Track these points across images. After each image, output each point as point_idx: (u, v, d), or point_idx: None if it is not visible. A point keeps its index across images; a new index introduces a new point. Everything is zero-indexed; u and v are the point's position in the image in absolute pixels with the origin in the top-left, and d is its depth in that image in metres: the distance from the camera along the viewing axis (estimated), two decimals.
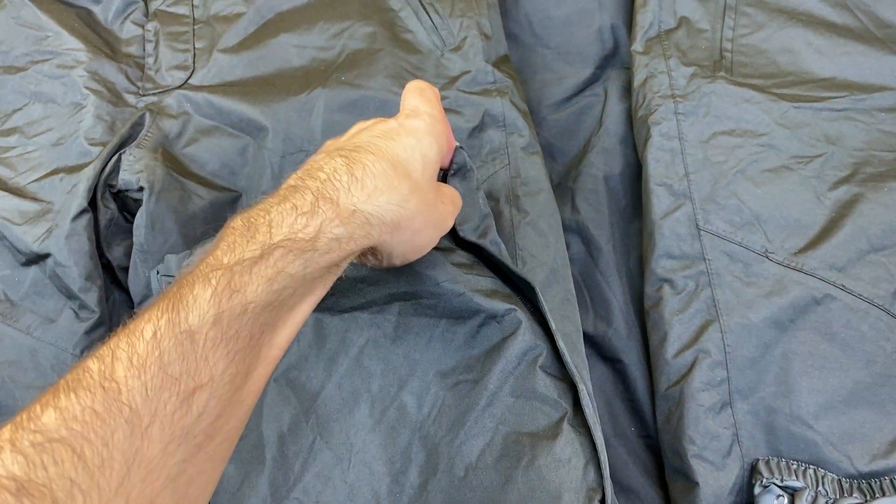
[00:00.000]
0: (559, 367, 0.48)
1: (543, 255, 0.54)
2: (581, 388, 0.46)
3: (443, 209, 0.44)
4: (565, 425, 0.45)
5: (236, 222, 0.36)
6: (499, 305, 0.48)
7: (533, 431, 0.46)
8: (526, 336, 0.47)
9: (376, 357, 0.50)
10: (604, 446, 0.45)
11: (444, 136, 0.46)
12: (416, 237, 0.42)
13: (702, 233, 0.55)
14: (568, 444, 0.45)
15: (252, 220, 0.35)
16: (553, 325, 0.47)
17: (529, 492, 0.44)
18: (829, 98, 0.59)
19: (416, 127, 0.43)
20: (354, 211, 0.37)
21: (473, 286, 0.48)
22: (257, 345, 0.34)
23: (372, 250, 0.41)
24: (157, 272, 0.53)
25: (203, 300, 0.31)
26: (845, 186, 0.56)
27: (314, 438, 0.48)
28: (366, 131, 0.43)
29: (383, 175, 0.39)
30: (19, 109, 0.64)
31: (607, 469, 0.45)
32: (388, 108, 0.59)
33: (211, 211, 0.58)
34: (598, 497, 0.44)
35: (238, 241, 0.34)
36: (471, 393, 0.48)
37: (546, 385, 0.47)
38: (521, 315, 0.48)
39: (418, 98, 0.45)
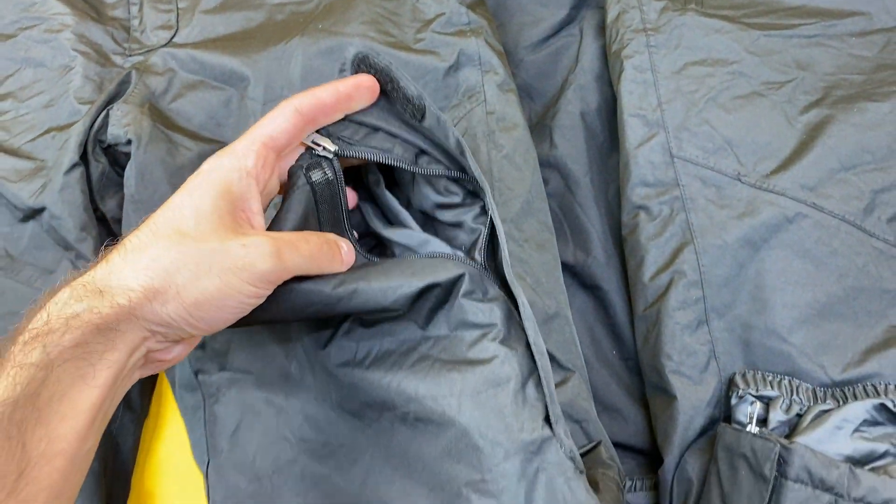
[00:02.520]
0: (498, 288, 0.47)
1: (519, 188, 0.56)
2: (520, 298, 0.44)
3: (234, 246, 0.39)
4: (494, 345, 0.44)
5: None
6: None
7: (466, 359, 0.44)
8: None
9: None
10: (545, 358, 0.43)
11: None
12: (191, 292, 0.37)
13: (675, 160, 0.57)
14: (503, 363, 0.43)
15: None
16: (499, 225, 0.46)
17: (471, 421, 0.42)
18: (800, 25, 0.60)
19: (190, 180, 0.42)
20: (86, 284, 0.36)
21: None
22: (19, 444, 0.32)
23: (152, 331, 0.38)
24: None
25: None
26: (816, 109, 0.57)
27: None
28: None
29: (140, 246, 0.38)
30: (11, 75, 0.66)
31: (551, 385, 0.43)
32: None
33: (198, 161, 0.59)
34: (542, 416, 0.42)
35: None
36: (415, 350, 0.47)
37: (474, 311, 0.45)
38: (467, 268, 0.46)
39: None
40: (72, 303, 0.35)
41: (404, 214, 0.51)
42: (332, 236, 0.45)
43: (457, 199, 0.49)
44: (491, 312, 0.44)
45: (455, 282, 0.45)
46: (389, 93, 0.48)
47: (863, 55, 0.59)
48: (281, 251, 0.39)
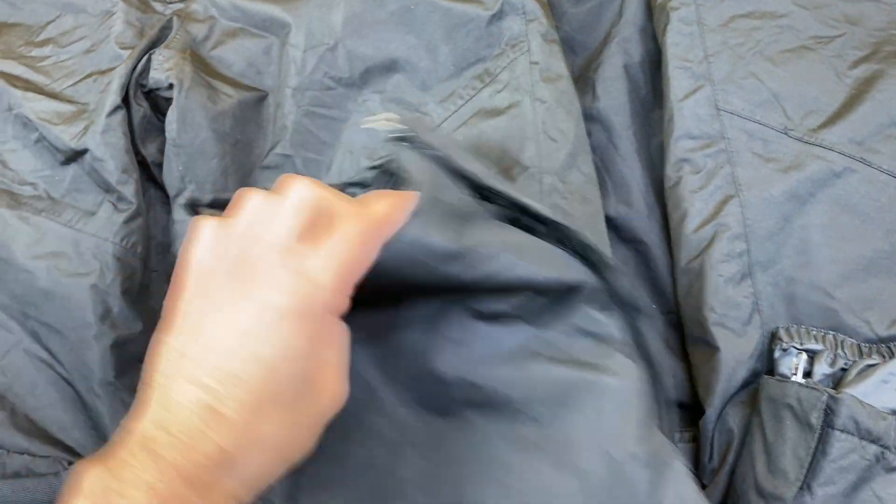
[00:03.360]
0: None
1: (562, 140, 0.55)
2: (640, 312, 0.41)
3: None
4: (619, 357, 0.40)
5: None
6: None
7: (589, 364, 0.40)
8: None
9: None
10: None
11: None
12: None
13: (721, 112, 0.56)
14: (625, 376, 0.39)
15: None
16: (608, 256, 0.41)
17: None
18: None
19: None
20: None
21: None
22: None
23: None
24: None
25: None
26: (865, 65, 0.56)
27: None
28: None
29: None
30: (52, 21, 0.66)
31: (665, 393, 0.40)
32: None
33: (239, 108, 0.60)
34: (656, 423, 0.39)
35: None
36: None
37: (595, 319, 0.40)
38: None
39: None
40: None
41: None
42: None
43: None
44: (610, 324, 0.40)
45: (579, 285, 0.40)
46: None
47: None
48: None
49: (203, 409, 0.29)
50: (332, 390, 0.33)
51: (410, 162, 0.39)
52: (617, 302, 0.41)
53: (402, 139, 0.40)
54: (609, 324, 0.40)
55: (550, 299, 0.40)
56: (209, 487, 0.29)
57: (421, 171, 0.38)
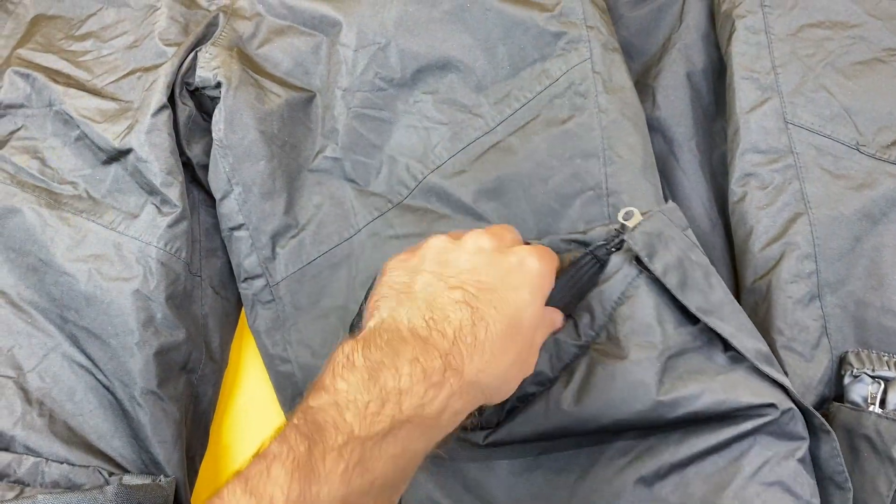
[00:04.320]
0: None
1: (630, 155, 0.53)
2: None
3: (533, 359, 0.42)
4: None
5: (357, 359, 0.35)
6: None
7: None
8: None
9: None
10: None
11: (548, 289, 0.43)
12: (504, 388, 0.40)
13: (789, 126, 0.54)
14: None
15: (378, 373, 0.34)
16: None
17: None
18: None
19: (534, 274, 0.41)
20: (473, 383, 0.36)
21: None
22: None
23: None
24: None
25: (335, 476, 0.31)
26: None
27: None
28: (483, 261, 0.40)
29: (501, 339, 0.38)
30: (93, 14, 0.64)
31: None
32: None
33: (287, 109, 0.58)
34: None
35: (367, 400, 0.33)
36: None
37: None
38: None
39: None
40: (458, 398, 0.36)
41: None
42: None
43: None
44: None
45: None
46: None
47: None
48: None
49: (462, 305, 0.38)
50: (532, 364, 0.42)
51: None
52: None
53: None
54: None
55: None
56: (459, 372, 0.36)
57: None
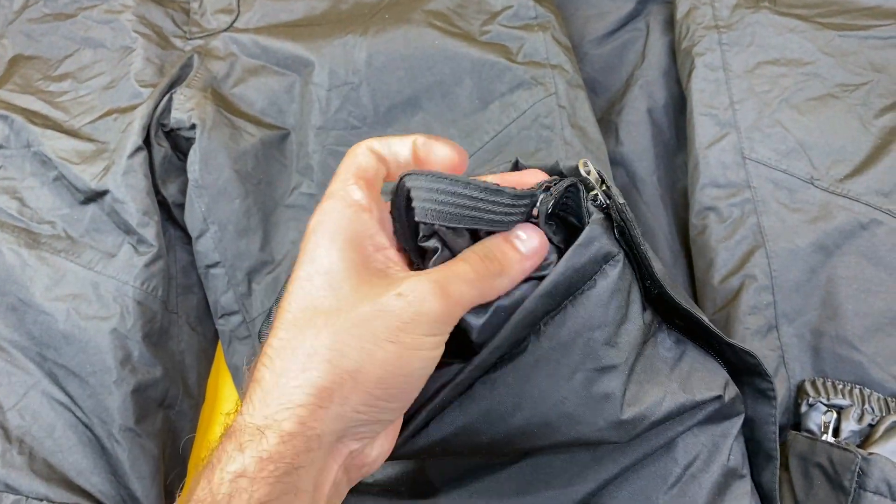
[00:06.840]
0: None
1: None
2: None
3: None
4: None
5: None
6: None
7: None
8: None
9: None
10: None
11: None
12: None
13: (747, 161, 0.56)
14: None
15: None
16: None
17: None
18: (875, 26, 0.59)
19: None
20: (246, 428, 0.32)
21: None
22: None
23: (342, 437, 0.33)
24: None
25: None
26: (891, 113, 0.56)
27: None
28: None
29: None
30: (70, 55, 0.65)
31: None
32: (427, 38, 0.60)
33: (261, 147, 0.60)
34: None
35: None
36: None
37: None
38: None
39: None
40: (235, 457, 0.30)
41: None
42: (494, 239, 0.36)
43: None
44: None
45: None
46: None
47: None
48: (443, 286, 0.33)
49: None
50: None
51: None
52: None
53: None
54: None
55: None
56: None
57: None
